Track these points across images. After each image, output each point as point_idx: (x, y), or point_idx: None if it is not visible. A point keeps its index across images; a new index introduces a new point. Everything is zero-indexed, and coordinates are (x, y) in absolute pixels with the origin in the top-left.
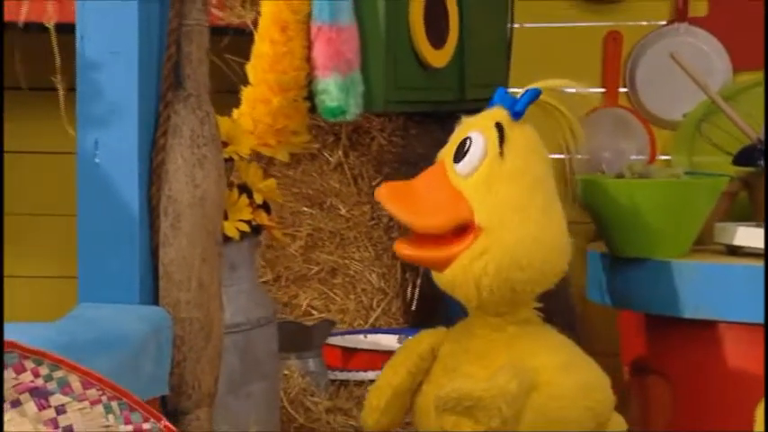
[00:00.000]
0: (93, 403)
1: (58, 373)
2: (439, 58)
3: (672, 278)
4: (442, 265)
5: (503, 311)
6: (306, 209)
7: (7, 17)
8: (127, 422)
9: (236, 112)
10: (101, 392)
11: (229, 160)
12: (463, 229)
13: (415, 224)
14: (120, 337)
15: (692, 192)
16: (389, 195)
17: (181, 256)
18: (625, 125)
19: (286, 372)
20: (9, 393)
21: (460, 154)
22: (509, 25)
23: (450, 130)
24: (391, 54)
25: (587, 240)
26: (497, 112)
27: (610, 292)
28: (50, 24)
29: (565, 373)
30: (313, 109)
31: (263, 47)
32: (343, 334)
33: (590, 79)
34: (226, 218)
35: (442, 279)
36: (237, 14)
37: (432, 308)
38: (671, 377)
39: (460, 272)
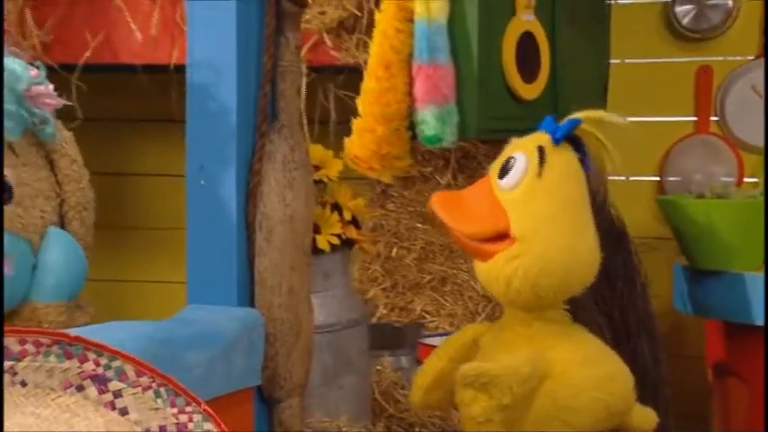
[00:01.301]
0: (144, 389)
1: (116, 363)
2: (530, 91)
3: (746, 289)
4: (481, 257)
5: (530, 310)
6: (419, 225)
7: (162, 60)
8: (172, 405)
9: (347, 140)
10: (151, 380)
11: (320, 182)
12: (502, 236)
13: (458, 230)
14: (213, 334)
15: (762, 211)
16: (440, 203)
17: (273, 265)
18: (715, 150)
19: (379, 367)
20: (74, 379)
21: (504, 171)
22: (607, 60)
23: None
24: (483, 88)
25: (675, 254)
26: (542, 137)
27: (692, 301)
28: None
29: (579, 366)
30: (414, 137)
31: (370, 83)
32: (442, 335)
33: (683, 109)
34: (319, 232)
35: (481, 272)
36: (352, 55)
37: None
38: (747, 379)
39: (494, 270)
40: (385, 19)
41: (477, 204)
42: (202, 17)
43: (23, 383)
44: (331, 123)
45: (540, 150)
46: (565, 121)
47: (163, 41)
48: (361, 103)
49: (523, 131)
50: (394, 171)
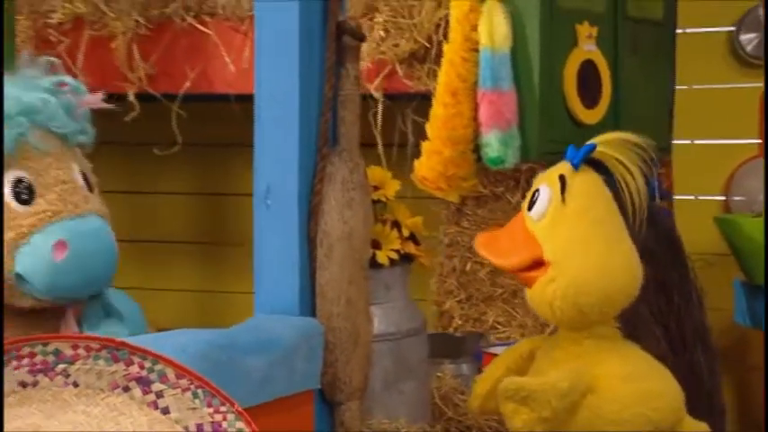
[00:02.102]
0: (183, 390)
1: (158, 366)
2: (591, 115)
3: None
4: (527, 284)
5: (579, 328)
6: None
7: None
8: (209, 405)
9: (417, 162)
10: (190, 382)
11: (378, 202)
12: (540, 264)
13: (498, 263)
14: (273, 340)
15: None
16: (482, 243)
17: (333, 279)
18: None
19: (440, 374)
20: (121, 381)
21: (532, 203)
22: (672, 86)
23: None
24: (544, 114)
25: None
26: (563, 166)
27: (750, 315)
28: None
29: (624, 382)
30: (479, 159)
31: (438, 109)
32: (505, 344)
33: (748, 132)
34: (379, 248)
35: (529, 298)
36: (423, 83)
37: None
38: None
39: (537, 295)
40: (452, 49)
41: (513, 238)
42: (269, 51)
43: (75, 384)
44: (408, 147)
45: (562, 179)
46: (582, 147)
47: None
48: (430, 127)
49: None
50: (460, 191)
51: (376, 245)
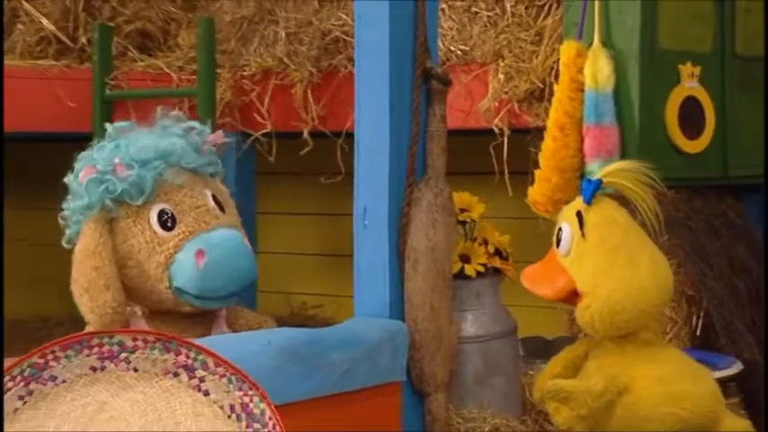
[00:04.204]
0: (220, 377)
1: (200, 356)
2: (694, 146)
3: None
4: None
5: (623, 336)
6: None
7: None
8: (239, 389)
9: (530, 188)
10: (225, 370)
11: (463, 223)
12: (577, 293)
13: (539, 294)
14: (358, 338)
15: None
16: (525, 277)
17: (418, 288)
18: None
19: (531, 372)
20: (171, 368)
21: (558, 241)
22: None
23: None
24: (644, 145)
25: None
26: (578, 202)
27: None
28: None
29: (659, 383)
30: None
31: (548, 141)
32: None
33: None
34: (469, 262)
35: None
36: (542, 119)
37: (712, 334)
38: None
39: (580, 319)
40: (560, 89)
41: (548, 272)
42: (366, 95)
43: (135, 369)
44: (529, 174)
45: (579, 215)
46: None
47: None
48: (542, 157)
49: (689, 180)
50: None
51: (466, 259)
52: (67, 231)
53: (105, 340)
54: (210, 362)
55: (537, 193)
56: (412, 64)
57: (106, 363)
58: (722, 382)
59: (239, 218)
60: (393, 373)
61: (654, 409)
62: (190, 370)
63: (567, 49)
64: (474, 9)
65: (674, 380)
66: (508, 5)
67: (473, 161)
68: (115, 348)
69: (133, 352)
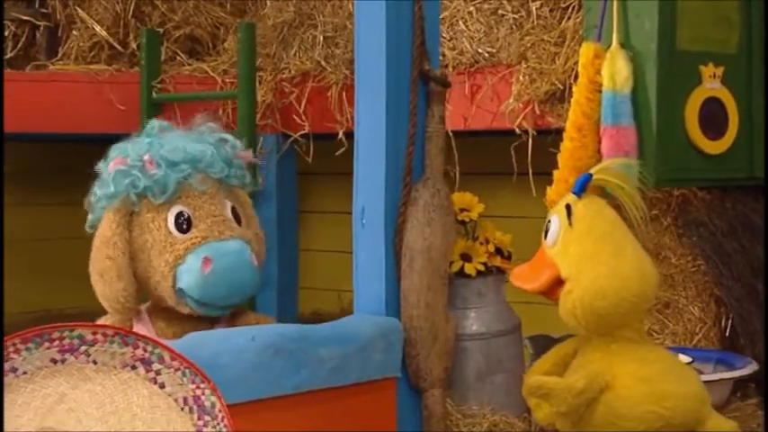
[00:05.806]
0: (175, 370)
1: (157, 350)
2: (716, 146)
3: None
4: (554, 300)
5: (604, 333)
6: None
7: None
8: (192, 383)
9: (548, 188)
10: (179, 363)
11: (462, 222)
12: (560, 281)
13: (526, 288)
14: (349, 334)
15: None
16: (514, 276)
17: (413, 285)
18: None
19: None
20: (129, 361)
21: (546, 232)
22: None
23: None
24: (662, 146)
25: None
26: (569, 196)
27: None
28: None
29: (641, 382)
30: None
31: (566, 142)
32: None
33: None
34: (470, 260)
35: (560, 313)
36: (564, 120)
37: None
38: None
39: (561, 307)
40: (578, 90)
41: (535, 265)
42: (364, 97)
43: (95, 362)
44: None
45: (568, 207)
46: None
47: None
48: (560, 158)
49: (713, 180)
50: None
51: (467, 258)
52: (90, 216)
53: (66, 333)
54: (167, 355)
55: (555, 193)
56: (410, 66)
57: (66, 355)
58: (742, 383)
59: (261, 230)
60: (387, 369)
61: (634, 408)
62: (147, 363)
63: (586, 50)
64: (501, 11)
65: (657, 379)
66: (534, 7)
67: (499, 161)
68: (75, 341)
69: (93, 345)
